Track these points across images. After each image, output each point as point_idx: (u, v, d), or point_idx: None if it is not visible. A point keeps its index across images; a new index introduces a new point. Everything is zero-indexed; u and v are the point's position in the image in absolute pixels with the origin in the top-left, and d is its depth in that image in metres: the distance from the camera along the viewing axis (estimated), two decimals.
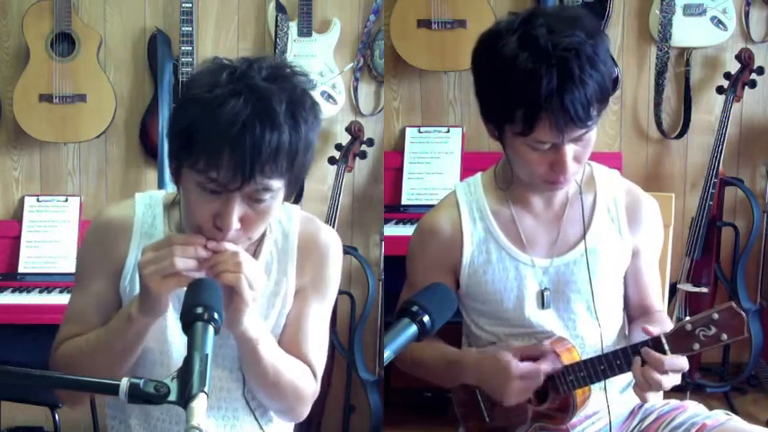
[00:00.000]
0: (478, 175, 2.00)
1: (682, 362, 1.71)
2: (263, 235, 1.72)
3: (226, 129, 1.46)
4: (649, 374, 1.70)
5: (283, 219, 1.76)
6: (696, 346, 1.69)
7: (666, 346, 1.70)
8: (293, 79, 1.55)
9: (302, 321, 1.74)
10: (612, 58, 1.80)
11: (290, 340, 1.72)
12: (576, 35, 1.68)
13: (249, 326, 1.58)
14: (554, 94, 1.65)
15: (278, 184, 1.53)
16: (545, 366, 1.81)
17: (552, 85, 1.65)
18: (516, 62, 1.68)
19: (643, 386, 1.72)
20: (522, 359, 1.82)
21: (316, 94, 3.55)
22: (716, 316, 1.67)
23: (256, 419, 1.74)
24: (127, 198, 1.76)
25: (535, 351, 1.84)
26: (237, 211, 1.52)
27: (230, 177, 1.48)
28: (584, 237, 1.90)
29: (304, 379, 1.71)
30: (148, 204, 1.74)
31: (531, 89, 1.66)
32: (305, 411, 1.75)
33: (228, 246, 1.54)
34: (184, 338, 1.65)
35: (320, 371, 1.76)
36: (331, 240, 1.78)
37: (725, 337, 1.67)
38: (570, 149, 1.74)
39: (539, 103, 1.66)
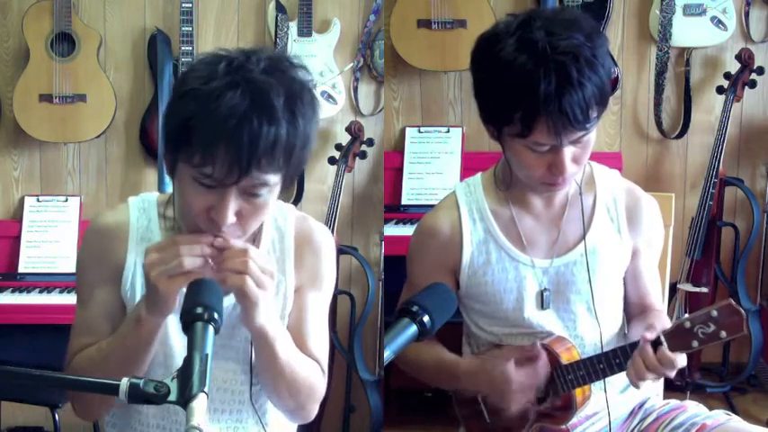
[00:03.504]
0: (478, 175, 1.99)
1: (680, 359, 1.71)
2: (260, 230, 1.70)
3: (222, 122, 1.44)
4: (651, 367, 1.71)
5: (279, 218, 1.75)
6: (695, 344, 1.69)
7: (665, 344, 1.70)
8: (292, 72, 1.53)
9: (304, 318, 1.74)
10: (612, 58, 1.79)
11: (293, 338, 1.70)
12: (574, 38, 1.67)
13: (266, 323, 1.57)
14: (552, 97, 1.65)
15: (275, 179, 1.51)
16: (542, 368, 1.82)
17: (550, 88, 1.64)
18: (514, 65, 1.67)
19: (640, 373, 1.72)
20: (517, 364, 1.82)
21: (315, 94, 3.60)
22: (715, 313, 1.67)
23: (261, 423, 1.73)
24: (121, 203, 1.74)
25: (529, 354, 1.84)
26: (233, 205, 1.50)
27: (226, 172, 1.46)
28: (584, 237, 1.90)
29: (315, 376, 1.71)
30: (142, 208, 1.72)
31: (528, 92, 1.65)
32: (315, 409, 1.74)
33: (237, 243, 1.53)
34: (185, 339, 1.67)
35: (326, 366, 1.75)
36: (325, 238, 1.78)
37: (724, 334, 1.67)
38: (569, 151, 1.74)
39: (537, 105, 1.66)
